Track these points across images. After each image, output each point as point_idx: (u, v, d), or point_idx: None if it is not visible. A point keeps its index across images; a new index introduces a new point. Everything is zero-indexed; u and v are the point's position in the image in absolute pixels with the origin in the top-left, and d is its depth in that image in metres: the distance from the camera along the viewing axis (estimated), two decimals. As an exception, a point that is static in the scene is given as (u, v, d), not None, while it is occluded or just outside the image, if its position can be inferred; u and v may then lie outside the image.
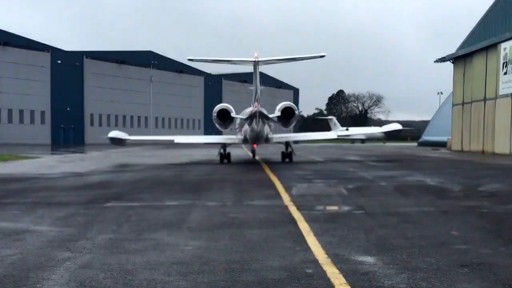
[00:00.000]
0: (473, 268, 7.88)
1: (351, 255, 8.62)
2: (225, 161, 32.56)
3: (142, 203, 14.40)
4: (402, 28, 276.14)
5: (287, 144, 34.02)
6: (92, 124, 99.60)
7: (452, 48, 57.25)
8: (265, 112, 29.82)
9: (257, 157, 36.64)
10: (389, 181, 19.73)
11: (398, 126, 36.03)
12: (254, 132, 30.08)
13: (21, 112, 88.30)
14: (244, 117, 30.80)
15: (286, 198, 15.12)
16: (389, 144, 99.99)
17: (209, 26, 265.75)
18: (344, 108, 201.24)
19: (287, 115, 31.02)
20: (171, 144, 71.85)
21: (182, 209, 13.28)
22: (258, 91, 31.01)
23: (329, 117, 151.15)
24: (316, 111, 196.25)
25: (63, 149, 63.85)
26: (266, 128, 30.97)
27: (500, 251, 8.96)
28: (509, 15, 46.32)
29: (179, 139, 37.14)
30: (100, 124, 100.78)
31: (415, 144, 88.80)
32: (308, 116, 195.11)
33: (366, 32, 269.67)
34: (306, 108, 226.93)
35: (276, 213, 12.57)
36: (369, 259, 8.42)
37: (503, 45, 46.15)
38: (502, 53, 46.22)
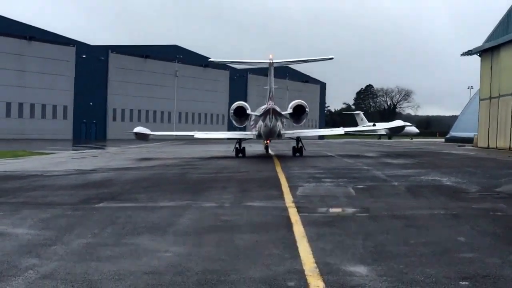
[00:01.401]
0: (476, 281, 7.07)
1: (342, 265, 7.85)
2: (240, 155, 34.26)
3: (135, 203, 13.74)
4: (432, 21, 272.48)
5: (297, 139, 35.74)
6: (114, 119, 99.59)
7: (482, 40, 55.71)
8: (278, 109, 31.81)
9: (271, 152, 38.05)
10: (402, 181, 18.80)
11: (401, 123, 39.15)
12: (268, 128, 31.80)
13: (43, 107, 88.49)
14: (259, 114, 32.68)
15: (288, 199, 14.33)
16: (416, 140, 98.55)
17: (235, 20, 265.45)
18: (372, 102, 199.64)
19: (299, 113, 33.16)
20: (192, 139, 71.93)
21: (175, 210, 12.58)
22: (273, 89, 32.90)
23: (356, 112, 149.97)
24: (344, 106, 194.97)
25: (83, 145, 63.71)
26: (279, 125, 32.56)
27: (509, 260, 8.11)
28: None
29: (198, 134, 39.43)
30: (123, 119, 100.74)
31: (443, 140, 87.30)
32: (335, 111, 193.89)
33: (396, 26, 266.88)
34: (334, 103, 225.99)
35: (273, 216, 11.81)
36: (361, 269, 7.64)
37: (530, 37, 44.71)
38: (530, 46, 44.78)
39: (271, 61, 33.43)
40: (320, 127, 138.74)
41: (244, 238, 9.60)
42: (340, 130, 44.67)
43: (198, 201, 14.17)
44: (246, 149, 35.74)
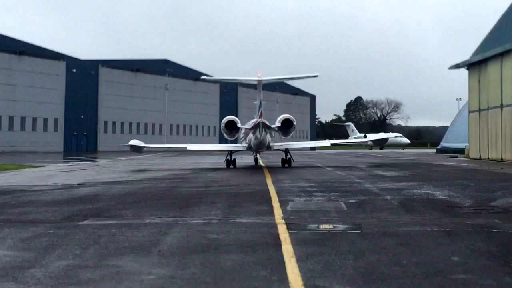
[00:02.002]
0: (470, 306, 6.75)
1: (332, 287, 7.51)
2: (231, 166, 36.18)
3: (120, 220, 13.34)
4: (421, 34, 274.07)
5: (286, 151, 37.73)
6: (105, 131, 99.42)
7: (469, 53, 55.79)
8: (267, 123, 34.00)
9: (262, 163, 39.96)
10: (394, 195, 18.50)
11: (384, 136, 42.05)
12: (258, 140, 34.09)
13: (34, 120, 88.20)
14: (249, 127, 35.07)
15: (278, 215, 13.98)
16: (408, 151, 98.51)
17: (225, 33, 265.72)
18: (363, 114, 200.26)
19: (286, 126, 35.44)
20: (184, 151, 71.73)
21: (160, 228, 12.20)
22: (262, 105, 35.05)
23: (347, 123, 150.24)
24: (335, 117, 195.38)
25: (73, 157, 63.23)
26: (268, 137, 34.86)
27: (504, 282, 7.80)
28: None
29: (191, 147, 42.36)
30: (114, 131, 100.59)
31: (434, 150, 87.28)
32: (326, 122, 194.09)
33: (385, 39, 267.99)
34: (325, 115, 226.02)
35: (261, 234, 11.45)
36: (351, 293, 7.31)
37: (518, 51, 44.66)
38: (517, 59, 44.72)
39: (260, 79, 35.81)
40: (311, 139, 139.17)
41: (230, 259, 9.24)
42: (327, 142, 48.50)
43: (185, 217, 13.80)
44: (237, 160, 37.50)
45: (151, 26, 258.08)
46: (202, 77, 51.90)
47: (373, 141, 42.05)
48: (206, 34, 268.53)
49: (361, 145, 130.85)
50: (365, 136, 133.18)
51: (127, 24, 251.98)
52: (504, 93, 47.46)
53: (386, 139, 41.50)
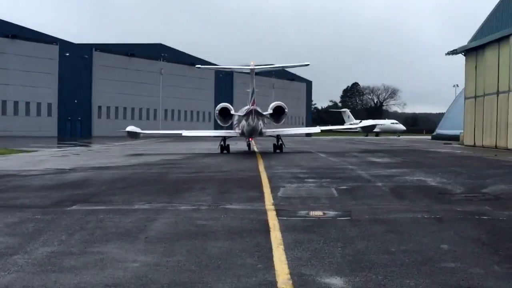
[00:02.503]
0: (457, 295, 6.67)
1: (318, 276, 7.41)
2: (225, 151, 36.97)
3: (109, 206, 13.22)
4: (418, 20, 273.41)
5: (278, 137, 38.52)
6: (99, 116, 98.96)
7: (467, 39, 55.58)
8: (259, 110, 35.15)
9: (255, 149, 40.99)
10: (386, 181, 18.42)
11: (372, 122, 44.69)
12: (250, 127, 34.92)
13: (27, 104, 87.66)
14: (242, 114, 35.93)
15: (268, 201, 13.89)
16: (403, 137, 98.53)
17: (221, 17, 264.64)
18: (359, 100, 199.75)
19: (278, 113, 36.52)
20: (178, 137, 71.81)
21: (149, 214, 12.09)
22: (254, 93, 36.41)
23: (343, 109, 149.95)
24: (331, 104, 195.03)
25: (67, 142, 62.99)
26: (260, 124, 35.77)
27: (493, 270, 7.72)
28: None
29: (186, 133, 42.46)
30: (108, 117, 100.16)
31: (429, 137, 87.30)
32: (322, 108, 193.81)
33: (382, 24, 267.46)
34: (321, 101, 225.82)
35: (250, 220, 11.36)
36: (337, 281, 7.21)
37: (515, 37, 44.44)
38: (515, 45, 44.50)
39: (252, 67, 37.12)
40: (307, 125, 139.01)
41: (217, 246, 9.13)
42: (317, 129, 51.15)
43: (175, 203, 13.70)
44: (232, 146, 38.49)
45: (145, 10, 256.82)
46: (197, 66, 52.42)
47: (362, 127, 43.34)
48: (201, 18, 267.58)
49: (357, 132, 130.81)
50: (360, 122, 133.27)
51: (121, 8, 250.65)
52: (500, 79, 47.30)
53: (374, 125, 43.22)
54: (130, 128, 40.48)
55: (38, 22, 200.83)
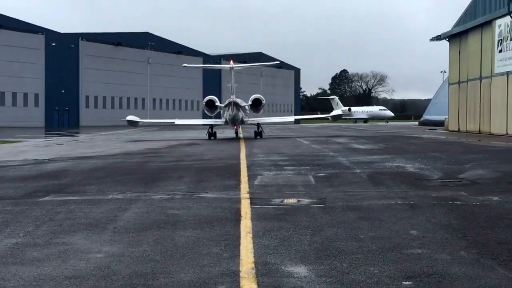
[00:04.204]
0: (420, 281, 6.61)
1: (282, 264, 7.34)
2: (212, 138, 41.15)
3: (82, 196, 13.11)
4: (405, 5, 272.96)
5: (258, 125, 43.51)
6: (87, 106, 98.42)
7: (451, 25, 55.59)
8: (238, 101, 40.94)
9: (241, 135, 44.69)
10: (365, 168, 18.39)
11: (339, 112, 54.30)
12: (231, 116, 40.22)
13: (14, 94, 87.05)
14: (224, 105, 41.30)
15: (244, 190, 13.82)
16: (391, 124, 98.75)
17: (209, 4, 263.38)
18: (348, 87, 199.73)
19: (257, 104, 42.26)
20: (168, 126, 72.04)
21: (121, 204, 11.99)
22: (234, 87, 41.60)
23: (331, 96, 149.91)
24: (320, 91, 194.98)
25: (54, 132, 62.67)
26: (241, 113, 40.80)
27: (459, 256, 7.68)
28: (504, -10, 44.51)
29: (178, 121, 50.01)
30: (96, 106, 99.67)
31: (417, 123, 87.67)
32: (311, 96, 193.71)
33: (370, 11, 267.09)
34: (310, 88, 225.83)
35: (223, 209, 11.28)
36: (301, 269, 7.15)
37: (497, 22, 44.42)
38: (497, 30, 44.52)
39: (231, 66, 43.33)
40: (295, 112, 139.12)
41: (185, 235, 9.06)
42: (291, 118, 63.21)
43: (149, 192, 13.61)
44: (220, 135, 43.69)
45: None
46: (184, 65, 58.76)
47: (331, 116, 51.04)
48: (188, 5, 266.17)
49: (345, 119, 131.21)
50: (349, 109, 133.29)
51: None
52: (483, 65, 47.42)
53: (340, 114, 53.69)
54: (130, 117, 46.39)
55: (24, 11, 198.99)
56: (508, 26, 42.52)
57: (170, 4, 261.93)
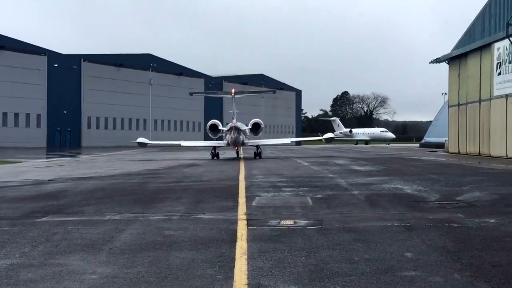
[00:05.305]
0: (412, 304, 6.62)
1: (275, 286, 7.38)
2: (215, 158, 44.34)
3: (80, 217, 13.13)
4: (409, 28, 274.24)
5: (257, 146, 46.77)
6: (89, 126, 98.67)
7: (451, 47, 55.83)
8: (239, 125, 44.37)
9: (241, 156, 46.99)
10: (363, 189, 18.41)
11: (331, 135, 55.07)
12: (232, 139, 43.57)
13: (16, 115, 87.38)
14: (226, 129, 44.81)
15: (241, 211, 13.83)
16: (393, 145, 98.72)
17: (210, 25, 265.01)
18: (349, 109, 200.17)
19: (256, 128, 46.37)
20: (169, 146, 72.59)
21: (118, 224, 12.02)
22: (235, 113, 45.87)
23: (332, 118, 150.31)
24: (321, 112, 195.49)
25: (56, 153, 62.76)
26: (241, 136, 44.00)
27: (452, 279, 7.69)
28: (502, 13, 44.78)
29: (184, 143, 55.60)
30: (98, 127, 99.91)
31: (418, 145, 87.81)
32: (312, 117, 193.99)
33: (372, 33, 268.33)
34: (311, 109, 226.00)
35: (219, 230, 11.30)
36: (294, 291, 7.16)
37: (496, 45, 44.66)
38: (496, 53, 44.74)
39: (233, 93, 47.36)
40: (297, 133, 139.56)
41: (181, 256, 9.08)
42: (288, 140, 67.80)
43: (147, 213, 13.62)
44: (222, 155, 46.95)
45: (134, 20, 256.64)
46: (190, 92, 65.86)
47: (325, 139, 52.13)
48: (189, 26, 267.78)
49: (346, 141, 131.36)
50: (350, 131, 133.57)
51: (109, 18, 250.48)
52: (482, 87, 47.58)
53: (332, 137, 54.10)
54: (140, 139, 51.94)
55: (26, 33, 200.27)
56: (506, 49, 42.75)
57: (172, 26, 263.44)
